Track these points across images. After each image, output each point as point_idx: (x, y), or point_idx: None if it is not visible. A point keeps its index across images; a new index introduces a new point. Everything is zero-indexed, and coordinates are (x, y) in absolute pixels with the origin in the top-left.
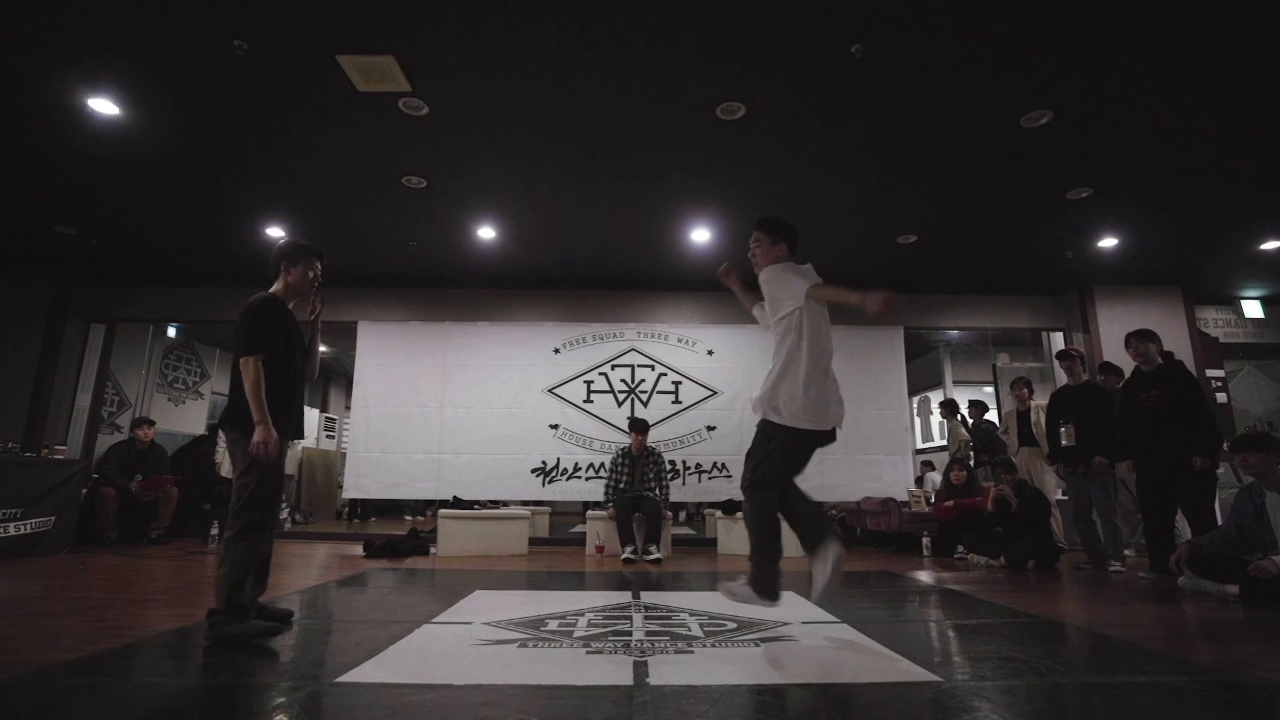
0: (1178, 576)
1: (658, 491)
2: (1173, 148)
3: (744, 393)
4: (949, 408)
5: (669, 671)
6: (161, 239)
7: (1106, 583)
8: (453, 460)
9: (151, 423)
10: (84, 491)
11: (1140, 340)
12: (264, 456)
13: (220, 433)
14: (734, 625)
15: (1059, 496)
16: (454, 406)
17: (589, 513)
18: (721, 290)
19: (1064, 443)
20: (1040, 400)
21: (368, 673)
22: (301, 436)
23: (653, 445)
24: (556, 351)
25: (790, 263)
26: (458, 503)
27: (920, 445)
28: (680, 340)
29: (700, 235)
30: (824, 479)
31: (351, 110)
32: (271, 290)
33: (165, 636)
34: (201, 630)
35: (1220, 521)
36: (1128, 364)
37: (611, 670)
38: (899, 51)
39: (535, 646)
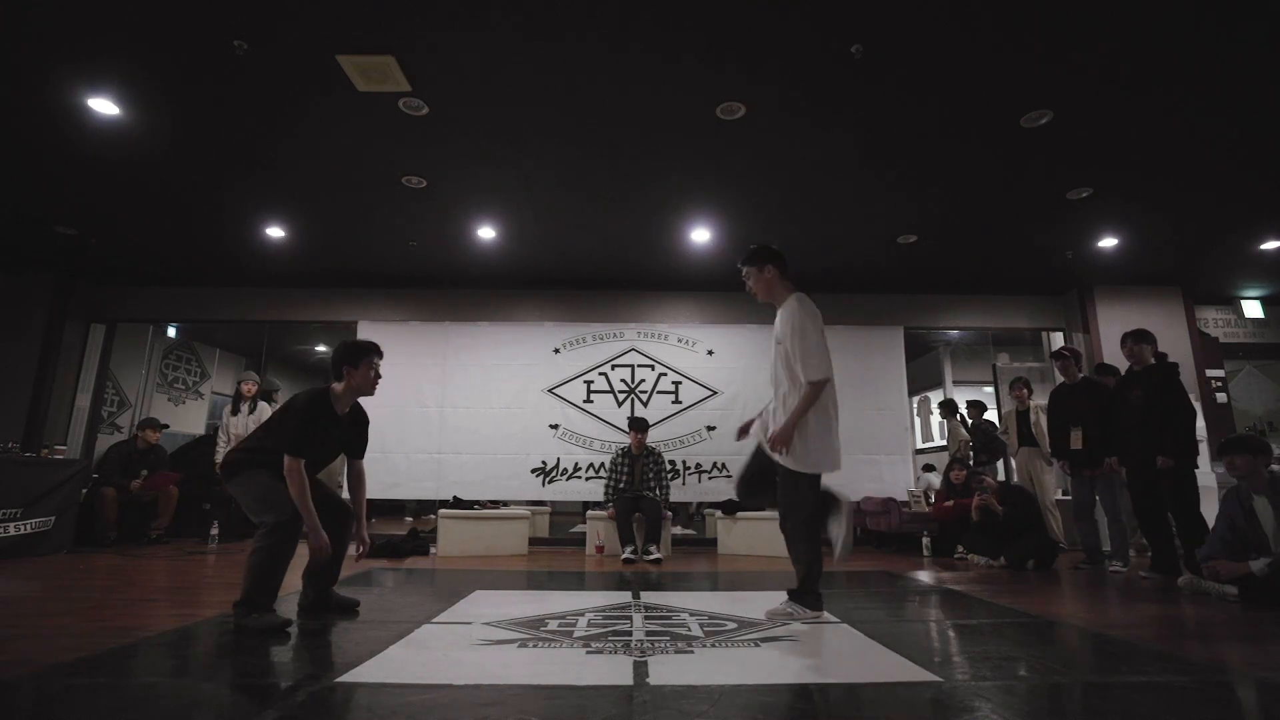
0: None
1: (658, 491)
2: (1173, 148)
3: (744, 393)
4: (948, 408)
5: (669, 671)
6: (161, 239)
7: (1106, 583)
8: (453, 460)
9: (163, 426)
10: (84, 491)
11: (1136, 341)
12: (321, 556)
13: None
14: (734, 625)
15: (1059, 496)
16: (454, 406)
17: (589, 513)
18: (721, 290)
19: (1073, 446)
20: (1040, 400)
21: (368, 673)
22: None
23: (652, 445)
24: (556, 351)
25: (809, 314)
26: (458, 503)
27: (920, 445)
28: (680, 340)
29: (700, 235)
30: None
31: (351, 110)
32: (333, 386)
33: (165, 636)
34: (202, 630)
35: (1205, 521)
36: (1126, 365)
37: (611, 670)
38: (899, 51)
39: (535, 646)
